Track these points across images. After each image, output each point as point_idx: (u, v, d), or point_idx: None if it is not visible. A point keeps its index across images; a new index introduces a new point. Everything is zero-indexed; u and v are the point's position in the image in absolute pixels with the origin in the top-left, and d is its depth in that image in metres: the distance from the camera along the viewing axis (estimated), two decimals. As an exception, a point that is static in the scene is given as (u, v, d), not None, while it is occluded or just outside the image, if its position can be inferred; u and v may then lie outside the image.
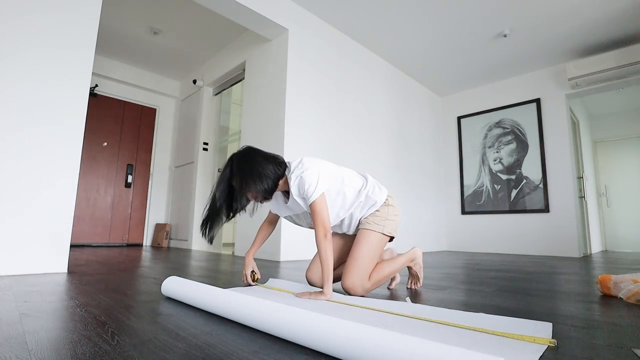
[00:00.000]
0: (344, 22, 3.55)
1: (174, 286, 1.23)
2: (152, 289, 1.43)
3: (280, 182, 1.36)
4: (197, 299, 1.09)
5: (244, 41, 3.85)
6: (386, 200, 1.48)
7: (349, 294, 1.34)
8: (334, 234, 1.62)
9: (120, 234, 4.57)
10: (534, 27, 3.53)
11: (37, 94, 1.97)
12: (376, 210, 1.45)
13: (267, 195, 1.33)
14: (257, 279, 1.56)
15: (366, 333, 0.67)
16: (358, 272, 1.34)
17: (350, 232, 1.55)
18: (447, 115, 5.33)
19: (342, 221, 1.49)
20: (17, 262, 1.83)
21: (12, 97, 1.89)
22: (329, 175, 1.37)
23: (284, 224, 2.96)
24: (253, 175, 1.29)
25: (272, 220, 1.63)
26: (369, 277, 1.38)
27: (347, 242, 1.59)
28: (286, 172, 1.37)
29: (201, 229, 1.35)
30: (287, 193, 1.43)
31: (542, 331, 0.87)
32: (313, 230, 1.39)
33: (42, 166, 1.96)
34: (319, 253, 1.27)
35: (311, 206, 1.29)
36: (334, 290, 1.40)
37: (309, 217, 1.45)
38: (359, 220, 1.48)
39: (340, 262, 1.57)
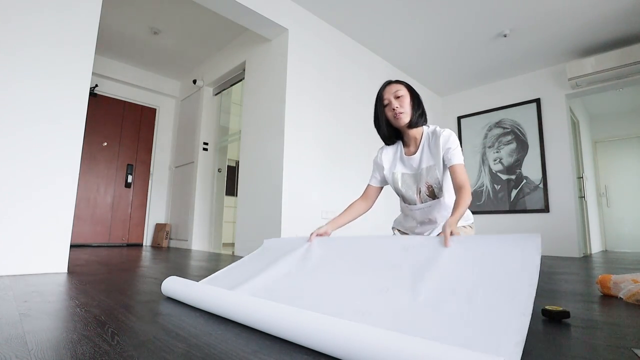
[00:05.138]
0: (344, 22, 3.55)
1: (174, 286, 1.23)
2: (152, 289, 1.43)
3: (413, 129, 1.43)
4: (197, 299, 1.09)
5: (244, 41, 3.85)
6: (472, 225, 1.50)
7: None
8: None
9: (120, 234, 4.57)
10: (534, 27, 3.53)
11: (37, 93, 1.97)
12: (469, 226, 1.46)
13: (414, 116, 1.40)
14: None
15: (366, 333, 0.67)
16: None
17: (428, 232, 1.47)
18: (447, 115, 5.33)
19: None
20: (17, 262, 1.83)
21: (12, 96, 1.89)
22: None
23: (283, 224, 2.96)
24: (419, 98, 1.46)
25: (370, 196, 1.54)
26: None
27: None
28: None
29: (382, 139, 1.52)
30: (405, 147, 1.49)
31: (529, 241, 0.86)
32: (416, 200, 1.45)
33: (42, 166, 1.96)
34: (463, 199, 1.22)
35: (456, 167, 1.31)
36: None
37: (427, 176, 1.40)
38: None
39: None
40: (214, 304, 1.01)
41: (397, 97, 1.40)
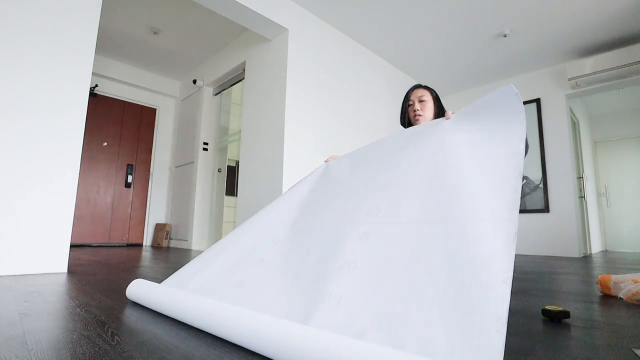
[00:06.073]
0: (344, 22, 3.55)
1: (139, 293, 1.15)
2: (152, 289, 1.43)
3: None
4: (160, 307, 1.02)
5: (244, 41, 3.85)
6: None
7: None
8: None
9: (120, 234, 4.57)
10: (534, 27, 3.53)
11: (37, 90, 1.97)
12: None
13: (438, 107, 1.62)
14: None
15: (345, 346, 0.61)
16: None
17: None
18: (447, 115, 5.32)
19: None
20: (17, 262, 1.83)
21: (12, 94, 1.89)
22: None
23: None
24: (442, 108, 1.66)
25: None
26: None
27: None
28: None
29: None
30: None
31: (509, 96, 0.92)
32: None
33: (42, 165, 1.96)
34: None
35: None
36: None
37: None
38: None
39: None
40: (179, 314, 0.94)
41: (421, 101, 1.60)
